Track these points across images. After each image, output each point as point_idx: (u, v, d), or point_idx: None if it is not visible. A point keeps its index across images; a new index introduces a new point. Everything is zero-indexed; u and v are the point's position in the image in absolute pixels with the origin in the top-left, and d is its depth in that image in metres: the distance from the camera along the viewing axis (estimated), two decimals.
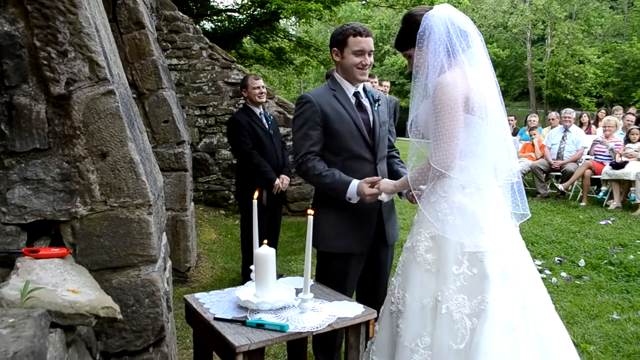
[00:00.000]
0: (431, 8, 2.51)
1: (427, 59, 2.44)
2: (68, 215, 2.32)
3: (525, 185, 9.37)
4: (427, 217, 2.52)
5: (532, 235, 6.58)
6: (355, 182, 2.75)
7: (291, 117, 8.03)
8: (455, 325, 2.35)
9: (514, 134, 10.65)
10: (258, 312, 2.21)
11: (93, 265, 2.37)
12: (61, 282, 2.12)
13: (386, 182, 2.75)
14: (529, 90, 37.34)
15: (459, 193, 2.46)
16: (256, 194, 2.52)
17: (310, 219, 2.13)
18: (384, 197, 2.75)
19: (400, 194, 3.03)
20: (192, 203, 5.87)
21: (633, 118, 9.85)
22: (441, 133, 2.40)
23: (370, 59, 2.89)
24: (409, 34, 2.54)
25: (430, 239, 2.50)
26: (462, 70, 2.44)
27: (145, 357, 2.51)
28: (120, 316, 2.06)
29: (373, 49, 2.92)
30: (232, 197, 8.18)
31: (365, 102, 3.00)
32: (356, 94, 2.97)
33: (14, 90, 2.23)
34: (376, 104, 3.00)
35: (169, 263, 3.10)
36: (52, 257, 2.24)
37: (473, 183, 2.46)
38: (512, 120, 11.65)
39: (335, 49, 2.93)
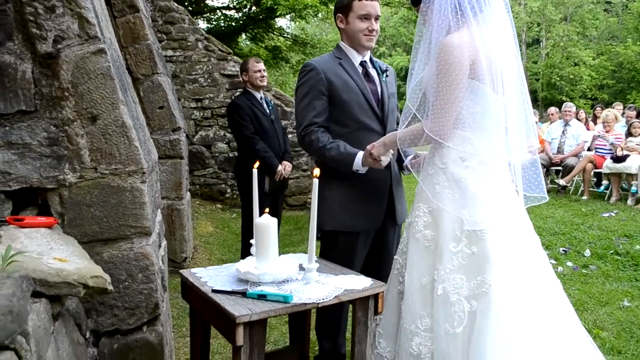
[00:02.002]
0: None
1: (433, 16, 2.27)
2: (56, 182, 2.17)
3: None
4: (424, 190, 2.37)
5: (534, 227, 6.39)
6: (361, 154, 2.61)
7: (289, 109, 7.92)
8: (452, 308, 2.18)
9: None
10: (259, 285, 2.06)
11: (83, 237, 2.22)
12: (47, 250, 1.97)
13: (377, 147, 2.53)
14: None
15: (457, 166, 2.29)
16: (257, 164, 2.38)
17: (316, 181, 1.98)
18: (384, 161, 2.56)
19: (402, 169, 2.88)
20: (188, 193, 5.72)
21: (634, 113, 9.76)
22: (440, 99, 2.22)
23: (376, 25, 2.75)
24: None
25: (429, 214, 2.35)
26: (471, 31, 2.24)
27: (138, 336, 2.36)
28: (110, 287, 1.91)
29: (380, 14, 2.76)
30: (228, 190, 8.03)
31: (373, 72, 2.85)
32: (363, 64, 2.82)
33: None
34: (384, 75, 2.86)
35: (165, 242, 2.95)
36: (38, 227, 2.08)
37: (475, 156, 2.29)
38: None
39: (339, 14, 2.78)
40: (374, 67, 2.88)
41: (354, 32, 2.74)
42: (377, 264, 2.90)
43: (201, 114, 7.94)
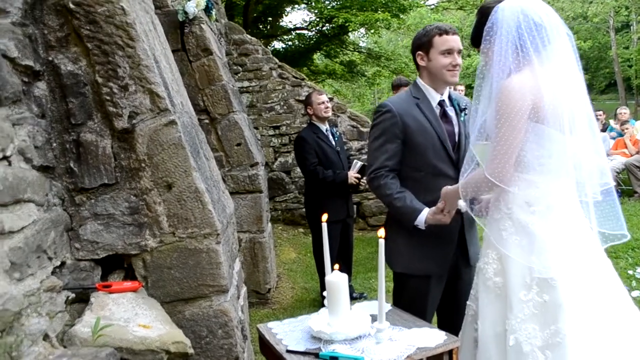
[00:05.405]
0: None
1: (494, 57, 2.20)
2: (138, 248, 2.32)
3: (620, 185, 8.77)
4: (491, 236, 2.30)
5: (631, 240, 6.04)
6: (425, 212, 2.57)
7: (365, 130, 7.94)
8: (525, 359, 2.09)
9: (603, 129, 9.94)
10: (332, 343, 2.09)
11: (165, 298, 2.36)
12: (133, 317, 2.11)
13: (452, 198, 2.47)
14: (617, 81, 35.12)
15: (523, 211, 2.20)
16: (325, 217, 2.42)
17: (382, 242, 1.99)
18: (462, 206, 2.51)
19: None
20: (270, 224, 5.87)
21: None
22: (500, 142, 2.15)
23: (459, 59, 2.66)
24: (480, 28, 2.29)
25: (498, 261, 2.26)
26: (534, 72, 2.15)
27: None
28: (191, 350, 2.02)
29: (462, 47, 2.68)
30: None
31: (451, 111, 2.76)
32: (441, 103, 2.74)
33: (80, 127, 2.27)
34: (462, 114, 2.77)
35: (244, 289, 3.06)
36: (124, 292, 2.24)
37: (541, 200, 2.19)
38: (600, 116, 10.74)
39: (420, 52, 2.71)
40: (453, 105, 2.80)
41: (437, 68, 2.66)
42: (453, 306, 2.84)
43: (279, 140, 8.14)
